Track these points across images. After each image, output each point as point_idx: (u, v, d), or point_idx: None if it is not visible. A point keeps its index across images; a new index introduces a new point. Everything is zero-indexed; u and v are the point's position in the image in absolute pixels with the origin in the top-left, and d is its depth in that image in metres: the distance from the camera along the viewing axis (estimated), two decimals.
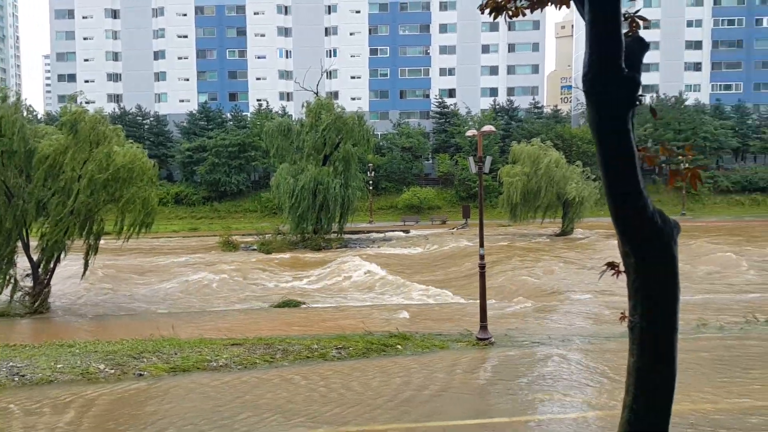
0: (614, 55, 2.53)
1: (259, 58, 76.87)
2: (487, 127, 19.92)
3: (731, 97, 73.59)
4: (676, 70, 76.43)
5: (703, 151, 64.38)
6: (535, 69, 77.65)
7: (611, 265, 3.07)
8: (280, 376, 13.13)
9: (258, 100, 73.90)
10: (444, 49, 76.98)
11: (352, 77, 76.71)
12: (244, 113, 72.44)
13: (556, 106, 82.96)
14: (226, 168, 64.06)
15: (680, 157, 56.39)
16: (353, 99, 69.99)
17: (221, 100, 75.61)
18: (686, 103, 68.00)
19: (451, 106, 72.45)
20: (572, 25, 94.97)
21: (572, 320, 18.78)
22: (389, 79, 77.21)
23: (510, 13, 3.04)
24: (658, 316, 2.67)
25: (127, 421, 10.36)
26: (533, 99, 74.37)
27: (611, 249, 33.98)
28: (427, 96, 76.97)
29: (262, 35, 76.67)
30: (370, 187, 55.90)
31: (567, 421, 10.94)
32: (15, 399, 11.16)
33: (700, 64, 76.97)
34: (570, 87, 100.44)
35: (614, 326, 18.14)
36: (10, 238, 21.70)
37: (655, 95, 71.48)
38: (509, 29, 76.45)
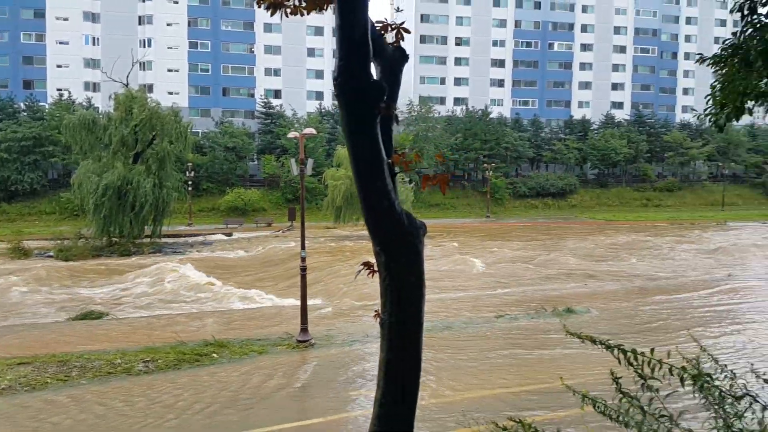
0: (362, 62, 2.60)
1: (60, 43, 68.83)
2: (308, 130, 20.10)
3: (528, 111, 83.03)
4: (483, 85, 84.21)
5: (505, 160, 71.69)
6: None
7: (367, 265, 3.18)
8: (74, 397, 11.87)
9: (59, 90, 66.06)
10: (269, 49, 76.01)
11: (170, 70, 72.22)
12: (41, 103, 64.24)
13: None
14: (18, 165, 56.26)
15: (485, 165, 62.08)
16: (171, 93, 66.02)
17: (13, 87, 66.25)
18: (491, 115, 75.12)
19: (277, 107, 71.78)
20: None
21: None
22: (211, 75, 74.08)
23: (288, 11, 3.06)
24: (406, 313, 2.81)
25: None
26: None
27: (431, 250, 36.32)
28: (252, 95, 75.33)
29: (65, 19, 68.81)
30: (190, 188, 53.06)
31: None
32: None
33: (503, 80, 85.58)
34: None
35: (427, 323, 19.39)
36: None
37: (464, 107, 78.07)
38: (333, 34, 77.92)
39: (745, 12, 5.36)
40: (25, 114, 62.17)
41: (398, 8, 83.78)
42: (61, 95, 64.67)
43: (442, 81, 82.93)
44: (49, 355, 14.17)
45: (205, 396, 12.55)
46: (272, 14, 3.20)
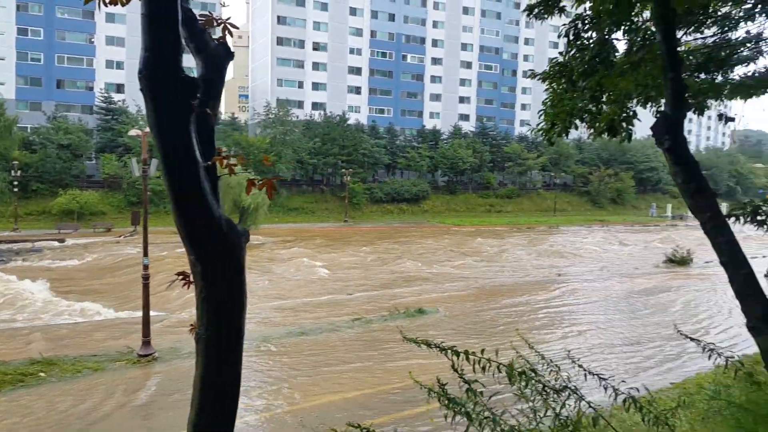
0: (172, 56, 2.41)
1: None
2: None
3: (384, 119, 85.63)
4: (341, 91, 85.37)
5: (363, 166, 73.18)
6: None
7: (182, 275, 2.94)
8: None
9: None
10: (111, 40, 70.41)
11: None
12: None
13: (233, 114, 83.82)
14: None
15: (343, 170, 62.44)
16: None
17: None
18: (349, 122, 76.33)
19: (120, 102, 66.63)
20: (248, 36, 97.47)
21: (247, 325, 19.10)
22: (43, 66, 66.84)
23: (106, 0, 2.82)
24: (225, 326, 2.64)
25: None
26: None
27: (290, 255, 35.89)
28: (92, 89, 69.20)
29: None
30: (15, 189, 47.35)
31: (237, 428, 11.07)
32: None
33: (360, 88, 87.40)
34: (247, 96, 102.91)
35: (281, 328, 19.15)
36: None
37: (322, 112, 78.53)
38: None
39: (571, 36, 5.96)
40: None
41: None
42: None
43: (300, 85, 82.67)
44: None
45: (29, 420, 11.30)
46: (86, 2, 2.94)
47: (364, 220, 66.85)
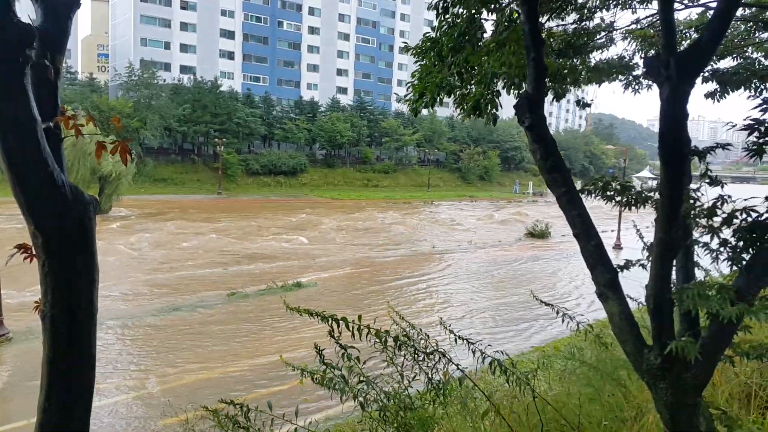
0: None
1: None
2: None
3: (260, 88, 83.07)
4: (212, 56, 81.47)
5: (237, 136, 70.78)
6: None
7: (23, 248, 2.66)
8: None
9: None
10: None
11: None
12: None
13: (91, 74, 76.95)
14: None
15: (216, 140, 60.18)
16: None
17: None
18: (222, 89, 73.14)
19: None
20: None
21: (113, 304, 17.98)
22: None
23: None
24: (74, 302, 2.45)
25: None
26: (66, 63, 66.99)
27: (158, 228, 34.00)
28: None
29: None
30: None
31: (105, 408, 10.68)
32: None
33: (233, 53, 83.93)
34: (107, 55, 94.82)
35: (151, 304, 18.29)
36: None
37: (192, 77, 74.46)
38: None
39: (440, 11, 6.19)
40: None
41: None
42: None
43: (167, 46, 77.73)
44: None
45: None
46: None
47: (239, 192, 65.05)
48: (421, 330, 4.26)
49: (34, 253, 2.49)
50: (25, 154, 2.26)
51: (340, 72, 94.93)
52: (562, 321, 5.11)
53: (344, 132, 79.04)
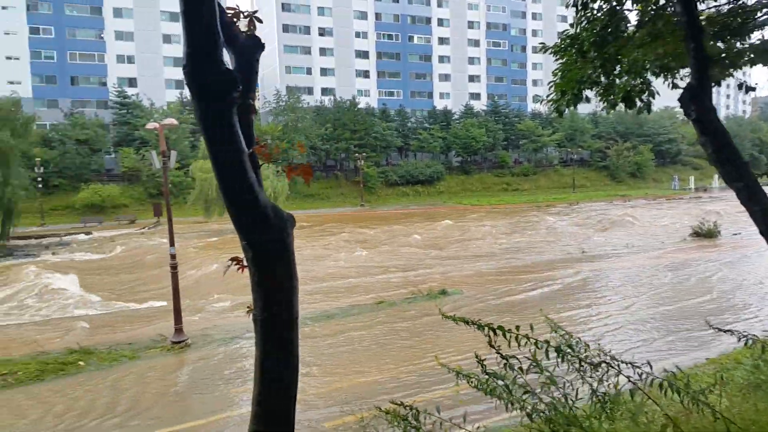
0: (211, 51, 2.51)
1: None
2: (169, 120, 18.99)
3: (394, 102, 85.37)
4: (350, 75, 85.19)
5: (375, 149, 73.27)
6: None
7: (236, 260, 3.05)
8: None
9: None
10: (120, 35, 70.82)
11: (8, 58, 64.86)
12: None
13: None
14: None
15: (356, 155, 62.94)
16: (11, 83, 59.50)
17: None
18: (359, 106, 76.29)
19: (133, 97, 67.20)
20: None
21: None
22: (57, 63, 67.55)
23: None
24: (278, 308, 2.76)
25: None
26: None
27: (302, 243, 36.24)
28: (105, 84, 69.84)
29: None
30: (39, 185, 48.25)
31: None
32: None
33: (368, 71, 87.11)
34: (257, 85, 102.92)
35: (310, 312, 19.53)
36: None
37: (332, 98, 78.50)
38: None
39: (579, 6, 6.02)
40: None
41: None
42: None
43: (309, 71, 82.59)
44: None
45: (77, 407, 11.76)
46: None
47: (380, 203, 67.08)
48: (580, 339, 4.10)
49: (245, 264, 2.87)
50: (235, 179, 2.62)
51: (471, 78, 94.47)
52: (746, 344, 4.62)
53: (479, 137, 78.40)
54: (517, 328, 3.81)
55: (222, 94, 2.52)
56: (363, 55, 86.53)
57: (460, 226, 42.20)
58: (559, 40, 6.62)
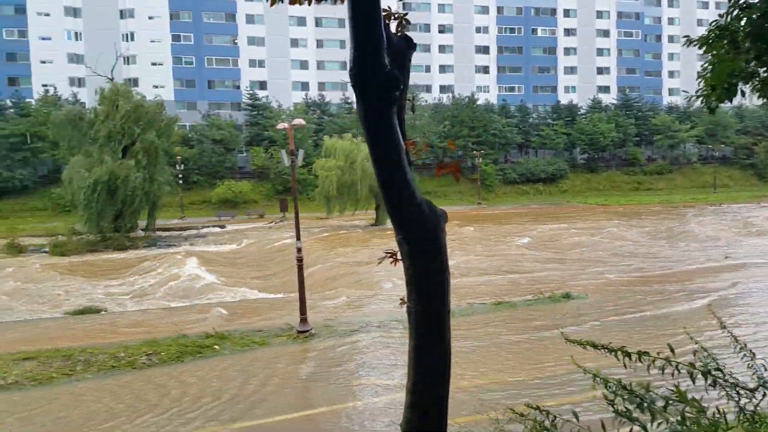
0: (375, 53, 2.61)
1: (43, 39, 67.90)
2: (297, 121, 19.98)
3: (515, 97, 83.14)
4: (468, 72, 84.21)
5: (494, 147, 71.84)
6: (343, 65, 79.56)
7: (390, 254, 3.18)
8: (82, 390, 11.94)
9: (44, 86, 65.25)
10: (252, 40, 75.44)
11: (154, 64, 71.54)
12: (27, 100, 63.44)
13: None
14: (8, 161, 55.76)
15: (474, 152, 62.35)
16: (156, 87, 65.43)
17: None
18: (478, 102, 75.15)
19: (263, 99, 71.36)
20: None
21: (389, 306, 19.78)
22: (195, 68, 73.47)
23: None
24: (431, 300, 2.82)
25: None
26: (343, 95, 76.35)
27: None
28: (238, 87, 74.80)
29: (47, 14, 67.83)
30: (180, 181, 52.81)
31: (381, 405, 11.60)
32: None
33: (488, 67, 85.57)
34: None
35: None
36: None
37: (451, 95, 78.04)
38: (316, 25, 77.61)
39: None
40: (12, 111, 61.37)
41: None
42: (46, 91, 63.92)
43: (427, 69, 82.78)
44: (53, 350, 14.20)
45: (211, 388, 12.64)
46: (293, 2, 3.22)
47: (497, 202, 65.77)
48: (724, 366, 3.64)
49: (399, 258, 2.97)
50: (394, 176, 2.72)
51: (600, 70, 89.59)
52: None
53: (607, 133, 74.16)
54: (657, 354, 3.47)
55: (385, 95, 2.63)
56: (483, 50, 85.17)
57: (586, 226, 40.23)
58: (706, 32, 6.07)
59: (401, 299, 3.03)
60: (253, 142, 67.70)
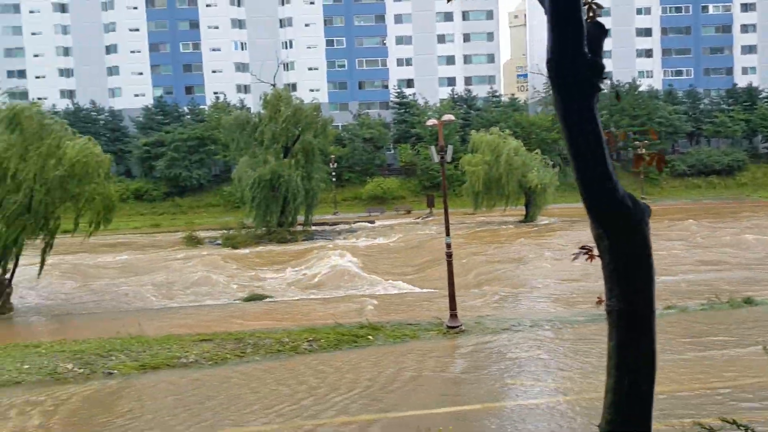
0: (576, 40, 2.55)
1: (213, 50, 75.32)
2: (447, 116, 19.94)
3: (683, 82, 75.78)
4: (629, 56, 78.22)
5: (659, 136, 66.16)
6: (491, 58, 78.34)
7: (585, 250, 3.08)
8: (252, 371, 12.97)
9: (215, 93, 72.47)
10: (400, 40, 76.97)
11: (310, 69, 76.01)
12: (201, 106, 70.97)
13: (513, 94, 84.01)
14: (186, 163, 62.79)
15: (636, 142, 58.24)
16: (312, 90, 69.39)
17: (177, 93, 73.86)
18: (640, 89, 69.64)
19: (410, 96, 72.55)
20: (525, 14, 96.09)
21: (541, 305, 19.12)
22: (347, 70, 76.82)
23: None
24: (634, 299, 2.69)
25: (98, 421, 10.08)
26: (491, 88, 75.10)
27: (576, 234, 34.75)
28: (386, 86, 76.85)
29: (216, 27, 75.16)
30: (333, 179, 55.62)
31: (539, 407, 11.12)
32: None
33: (651, 50, 78.92)
34: (526, 75, 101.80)
35: (583, 310, 18.57)
36: None
37: (609, 82, 73.08)
38: (463, 19, 77.07)
39: None
40: (188, 117, 69.07)
41: None
42: (217, 98, 70.86)
43: None
44: (226, 333, 15.61)
45: (365, 377, 13.05)
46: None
47: (663, 196, 60.55)
48: None
49: (594, 254, 2.88)
50: (595, 168, 2.63)
51: None
52: None
53: None
54: None
55: (588, 84, 2.57)
56: (645, 33, 78.71)
57: None
58: None
59: (598, 297, 2.92)
60: (400, 139, 69.22)
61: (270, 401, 11.01)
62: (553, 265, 26.44)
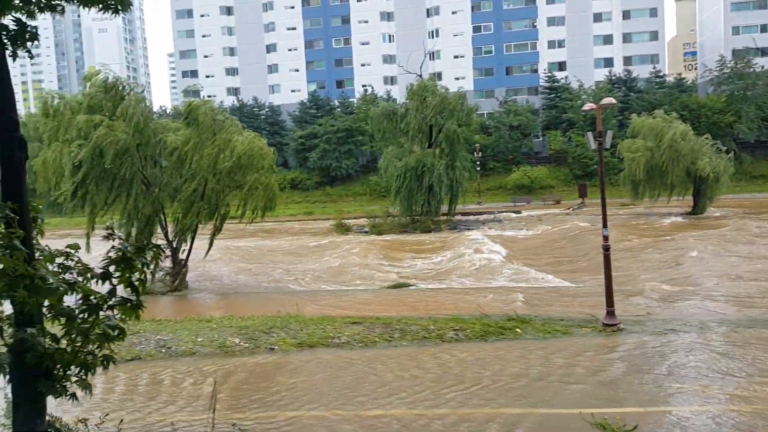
0: None
1: (363, 44, 77.88)
2: (607, 100, 18.53)
3: None
4: None
5: None
6: (654, 35, 72.01)
7: None
8: (400, 355, 13.22)
9: (363, 86, 75.03)
10: (552, 21, 73.63)
11: (455, 57, 75.61)
12: (350, 99, 73.94)
13: (679, 74, 76.60)
14: (336, 153, 65.89)
15: None
16: (457, 79, 69.01)
17: (329, 87, 77.66)
18: None
19: (562, 80, 69.24)
20: None
21: (710, 306, 17.25)
22: (494, 56, 75.21)
23: None
24: None
25: (263, 390, 10.91)
26: (653, 68, 69.18)
27: (752, 229, 30.94)
28: (535, 71, 74.06)
29: (366, 22, 77.56)
30: (478, 168, 54.90)
31: (707, 415, 10.09)
32: (163, 368, 12.17)
33: None
34: (694, 53, 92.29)
35: (762, 312, 16.49)
36: (149, 223, 23.67)
37: None
38: None
39: None
40: (338, 110, 72.30)
41: None
42: (365, 90, 73.29)
43: (763, 28, 69.30)
44: (374, 318, 16.07)
45: (511, 370, 12.69)
46: None
47: None
48: None
49: None
50: None
51: None
52: None
53: None
54: None
55: None
56: None
57: None
58: None
59: None
60: (550, 126, 66.41)
61: (415, 387, 11.13)
62: (725, 262, 23.77)
